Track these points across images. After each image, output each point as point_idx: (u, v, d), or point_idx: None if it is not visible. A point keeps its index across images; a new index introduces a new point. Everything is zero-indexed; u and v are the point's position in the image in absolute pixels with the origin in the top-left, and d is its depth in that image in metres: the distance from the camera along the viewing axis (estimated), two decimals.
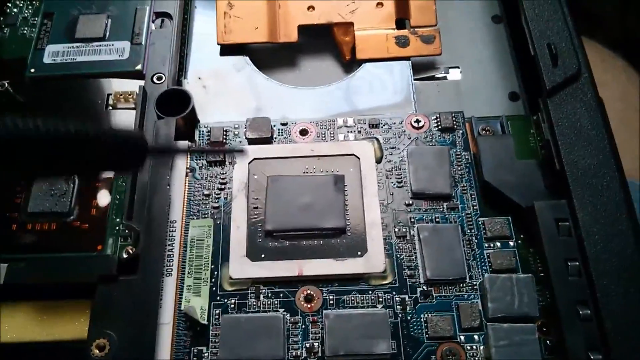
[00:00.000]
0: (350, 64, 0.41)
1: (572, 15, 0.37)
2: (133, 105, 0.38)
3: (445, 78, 0.41)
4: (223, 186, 0.34)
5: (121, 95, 0.39)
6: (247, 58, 0.41)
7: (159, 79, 0.38)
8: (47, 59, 0.40)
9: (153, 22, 0.41)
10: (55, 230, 0.34)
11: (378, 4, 0.41)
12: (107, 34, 0.41)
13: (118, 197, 0.35)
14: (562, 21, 0.37)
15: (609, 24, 0.84)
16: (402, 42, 0.40)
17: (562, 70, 0.34)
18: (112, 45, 0.40)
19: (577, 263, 0.30)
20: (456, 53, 0.42)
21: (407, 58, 0.40)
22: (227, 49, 0.41)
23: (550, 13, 0.37)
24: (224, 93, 0.40)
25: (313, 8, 0.41)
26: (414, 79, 0.40)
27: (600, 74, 0.48)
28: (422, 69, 0.41)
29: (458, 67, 0.41)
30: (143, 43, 0.40)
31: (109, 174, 0.36)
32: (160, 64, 0.39)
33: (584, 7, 0.74)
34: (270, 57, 0.42)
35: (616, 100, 0.48)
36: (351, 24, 0.41)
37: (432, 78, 0.41)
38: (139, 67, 0.39)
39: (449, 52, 0.41)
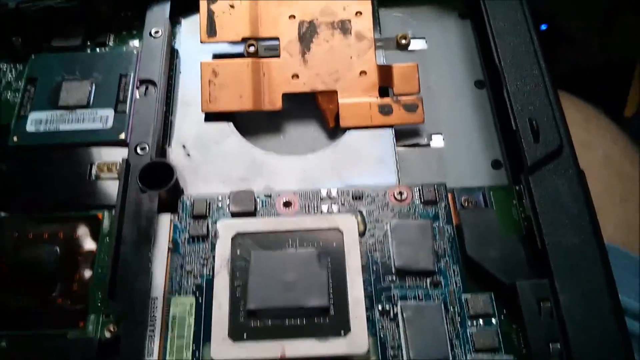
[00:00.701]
0: (334, 131, 0.42)
1: (553, 87, 0.38)
2: (116, 175, 0.38)
3: (428, 145, 0.41)
4: (205, 261, 0.34)
5: (104, 165, 0.39)
6: (232, 124, 0.41)
7: (143, 149, 0.38)
8: (30, 127, 0.40)
9: (137, 88, 0.41)
10: (38, 307, 0.34)
11: (361, 72, 0.42)
12: (91, 101, 0.41)
13: (100, 271, 0.35)
14: (544, 95, 0.37)
15: (594, 51, 0.85)
16: (385, 110, 0.41)
17: (544, 146, 0.35)
18: (96, 113, 0.40)
19: (559, 346, 0.30)
20: (439, 119, 0.42)
21: (390, 126, 0.41)
22: (212, 116, 0.41)
23: (532, 86, 0.38)
24: (208, 161, 0.40)
25: (297, 76, 0.41)
26: (398, 146, 0.40)
27: (583, 134, 0.49)
28: (405, 136, 0.42)
29: (441, 134, 0.42)
30: (127, 111, 0.40)
31: (91, 246, 0.35)
32: (144, 133, 0.39)
33: (569, 35, 0.75)
34: (255, 122, 0.42)
35: (600, 166, 0.49)
36: (335, 92, 0.41)
37: (416, 145, 0.41)
38: (122, 136, 0.39)
39: (432, 119, 0.42)
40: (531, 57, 0.39)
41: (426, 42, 0.46)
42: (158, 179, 0.36)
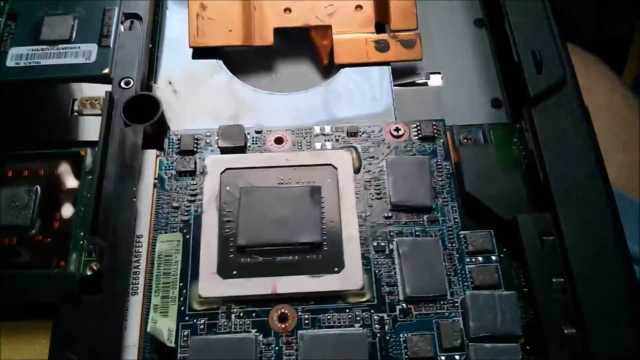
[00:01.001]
0: (328, 68, 0.40)
1: (557, 20, 0.36)
2: (99, 111, 0.36)
3: (426, 84, 0.40)
4: (193, 198, 0.33)
5: (87, 100, 0.37)
6: (221, 62, 0.39)
7: (127, 83, 0.36)
8: (10, 62, 0.38)
9: (122, 23, 0.39)
10: (16, 245, 0.32)
11: (357, 6, 0.40)
12: (74, 35, 0.39)
13: (82, 209, 0.33)
14: (546, 27, 0.35)
15: (589, 26, 0.84)
16: (382, 46, 0.39)
17: (547, 77, 0.33)
18: (79, 47, 0.39)
19: (562, 280, 0.28)
20: (437, 58, 0.40)
21: (387, 63, 0.39)
22: (200, 52, 0.39)
23: (535, 18, 0.36)
24: (196, 98, 0.38)
25: (290, 10, 0.39)
26: (394, 85, 0.38)
27: (584, 80, 0.47)
28: (403, 74, 0.40)
29: (439, 73, 0.40)
30: (111, 46, 0.38)
31: (73, 184, 0.34)
32: (129, 68, 0.37)
33: (563, 10, 0.73)
34: (245, 60, 0.40)
35: (601, 109, 0.47)
36: (329, 27, 0.39)
37: (413, 84, 0.39)
38: (106, 70, 0.38)
39: (430, 57, 0.40)
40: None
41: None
42: (143, 113, 0.34)
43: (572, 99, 0.33)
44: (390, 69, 0.39)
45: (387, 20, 0.40)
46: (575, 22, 0.84)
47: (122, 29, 0.39)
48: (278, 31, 0.39)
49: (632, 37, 0.76)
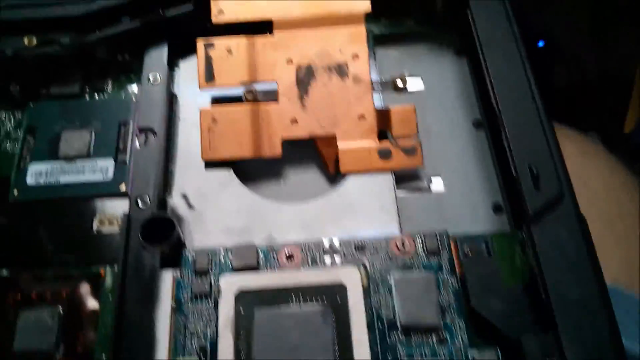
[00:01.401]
0: (335, 176, 0.42)
1: (552, 130, 0.38)
2: (118, 229, 0.38)
3: (428, 188, 0.41)
4: (209, 321, 0.34)
5: (106, 218, 0.38)
6: (232, 171, 0.41)
7: (144, 202, 0.38)
8: (30, 180, 0.40)
9: (137, 137, 0.41)
10: None
11: (360, 116, 0.42)
12: (91, 150, 0.41)
13: (104, 331, 0.34)
14: (543, 139, 0.37)
15: (589, 66, 0.85)
16: (385, 154, 0.41)
17: (545, 193, 0.35)
18: (96, 163, 0.40)
19: None
20: (438, 161, 0.42)
21: (390, 170, 0.41)
22: (212, 163, 0.41)
23: (531, 130, 0.38)
24: (209, 211, 0.40)
25: (296, 121, 0.41)
26: (398, 190, 0.40)
27: (580, 169, 0.49)
28: (405, 178, 0.42)
29: (440, 176, 0.42)
30: (127, 161, 0.40)
31: (94, 305, 0.35)
32: (144, 184, 0.39)
33: (560, 93, 0.75)
34: (255, 169, 0.42)
35: (600, 200, 0.49)
36: (334, 136, 0.41)
37: (416, 190, 0.41)
38: (123, 187, 0.39)
39: (431, 161, 0.42)
40: (529, 101, 0.39)
41: (422, 80, 0.46)
42: (159, 232, 0.36)
43: (570, 214, 0.35)
44: (393, 176, 0.40)
45: (389, 127, 0.42)
46: (577, 61, 0.86)
47: (137, 144, 0.41)
48: (286, 141, 0.41)
49: (633, 80, 0.76)
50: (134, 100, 0.43)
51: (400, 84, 0.43)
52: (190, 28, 0.44)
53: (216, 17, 0.43)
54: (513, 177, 0.37)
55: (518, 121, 0.39)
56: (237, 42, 0.43)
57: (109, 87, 0.45)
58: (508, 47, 0.42)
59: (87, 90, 0.45)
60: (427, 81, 0.46)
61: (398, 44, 0.48)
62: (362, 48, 0.43)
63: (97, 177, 0.40)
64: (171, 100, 0.44)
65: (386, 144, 0.41)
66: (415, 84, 0.46)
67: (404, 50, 0.47)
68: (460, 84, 0.46)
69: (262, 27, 0.44)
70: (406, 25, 0.49)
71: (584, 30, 0.87)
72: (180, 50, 0.46)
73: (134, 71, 0.45)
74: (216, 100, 0.44)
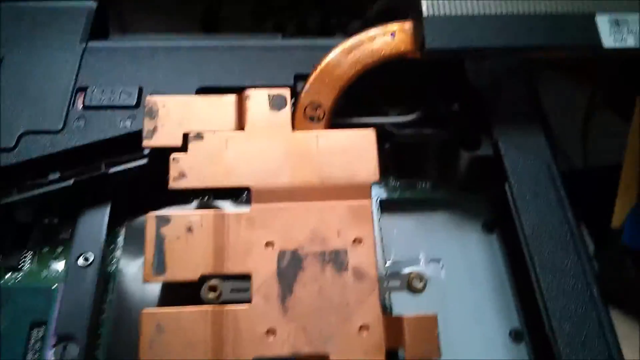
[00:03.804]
0: None
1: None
2: None
3: None
4: None
5: None
6: None
7: None
8: None
9: (53, 348, 0.30)
10: None
11: (362, 327, 0.30)
12: None
13: None
14: None
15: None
16: None
17: None
18: None
19: None
20: None
21: None
22: None
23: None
24: None
25: (274, 332, 0.30)
26: None
27: None
28: None
29: None
30: None
31: None
32: None
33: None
34: None
35: None
36: (326, 357, 0.30)
37: None
38: None
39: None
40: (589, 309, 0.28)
41: (442, 267, 0.35)
42: None
43: None
44: None
45: (401, 342, 0.30)
46: (562, 153, 0.77)
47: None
48: None
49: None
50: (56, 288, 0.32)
51: (417, 284, 0.32)
52: (140, 186, 0.34)
53: (176, 182, 0.32)
54: None
55: (577, 349, 0.28)
56: (201, 217, 0.32)
57: (27, 263, 0.34)
58: (560, 232, 0.32)
59: None
60: (448, 266, 0.35)
61: (407, 212, 0.37)
62: (367, 230, 0.32)
63: None
64: (105, 285, 0.32)
65: None
66: (432, 270, 0.35)
67: (417, 225, 0.37)
68: (492, 273, 0.35)
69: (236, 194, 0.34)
70: (421, 189, 0.38)
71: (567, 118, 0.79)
72: (125, 215, 0.35)
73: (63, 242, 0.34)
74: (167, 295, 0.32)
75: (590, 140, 0.77)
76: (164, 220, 0.32)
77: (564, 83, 0.63)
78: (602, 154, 0.76)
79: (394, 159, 0.38)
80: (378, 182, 0.37)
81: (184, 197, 0.36)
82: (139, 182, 0.34)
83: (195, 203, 0.37)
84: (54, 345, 0.29)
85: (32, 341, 0.30)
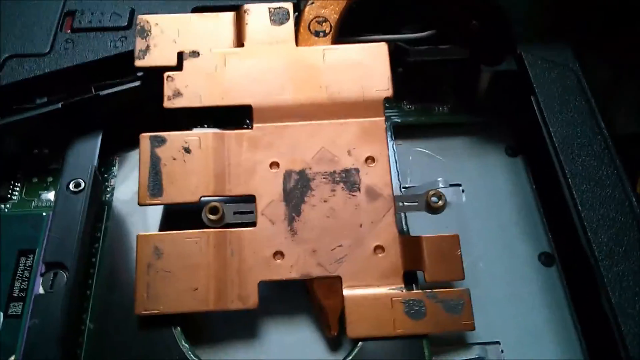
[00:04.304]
0: (338, 340, 0.27)
1: None
2: None
3: None
4: None
5: None
6: (179, 331, 0.27)
7: None
8: None
9: (42, 275, 0.28)
10: None
11: (377, 248, 0.28)
12: None
13: None
14: None
15: None
16: (415, 310, 0.26)
17: None
18: None
19: None
20: (491, 318, 0.28)
21: (423, 335, 0.26)
22: (150, 319, 0.27)
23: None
24: None
25: (282, 255, 0.28)
26: None
27: None
28: (443, 343, 0.27)
29: (498, 343, 0.28)
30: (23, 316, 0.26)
31: None
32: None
33: None
34: (218, 328, 0.28)
35: None
36: (338, 279, 0.27)
37: None
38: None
39: (482, 318, 0.27)
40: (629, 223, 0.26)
41: (463, 191, 0.32)
42: None
43: None
44: (428, 345, 0.26)
45: (421, 266, 0.28)
46: None
47: (42, 289, 0.27)
48: (265, 285, 0.27)
49: None
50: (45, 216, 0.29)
51: (436, 201, 0.29)
52: (133, 113, 0.31)
53: (170, 102, 0.30)
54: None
55: (617, 259, 0.25)
56: (200, 138, 0.29)
57: (15, 194, 0.31)
58: (593, 142, 0.29)
59: None
60: (470, 191, 0.32)
61: (428, 137, 0.35)
62: (381, 148, 0.30)
63: None
64: (98, 213, 0.30)
65: (417, 294, 0.27)
66: (452, 195, 0.32)
67: (437, 147, 0.34)
68: (516, 198, 0.32)
69: (238, 116, 0.31)
70: (438, 113, 0.36)
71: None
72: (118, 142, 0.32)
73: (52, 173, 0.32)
74: (167, 219, 0.30)
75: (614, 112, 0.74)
76: (158, 141, 0.29)
77: None
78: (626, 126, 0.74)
79: (408, 83, 0.35)
80: (391, 104, 0.35)
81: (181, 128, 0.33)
82: (133, 109, 0.32)
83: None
84: (43, 274, 0.27)
85: (21, 268, 0.28)
